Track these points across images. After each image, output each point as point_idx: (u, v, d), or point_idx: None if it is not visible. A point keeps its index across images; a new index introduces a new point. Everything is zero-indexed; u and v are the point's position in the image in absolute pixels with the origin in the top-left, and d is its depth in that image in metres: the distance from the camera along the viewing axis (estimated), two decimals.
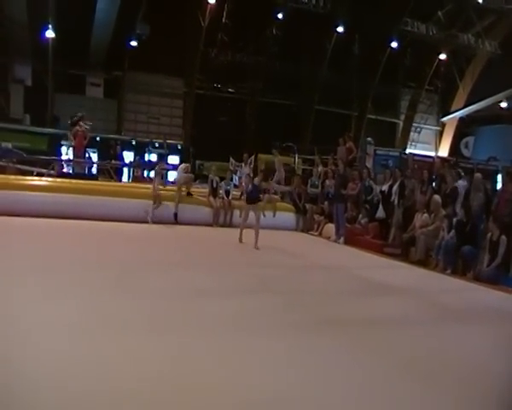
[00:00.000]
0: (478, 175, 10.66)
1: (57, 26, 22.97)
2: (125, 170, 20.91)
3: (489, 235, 8.51)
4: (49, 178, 13.80)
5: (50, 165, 16.33)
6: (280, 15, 26.75)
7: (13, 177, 13.16)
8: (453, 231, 9.08)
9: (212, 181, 12.94)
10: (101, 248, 8.07)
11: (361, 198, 12.32)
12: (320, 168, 14.01)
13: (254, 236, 9.14)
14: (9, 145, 17.77)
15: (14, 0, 21.98)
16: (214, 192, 12.75)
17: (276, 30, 27.54)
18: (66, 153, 19.01)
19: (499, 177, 15.65)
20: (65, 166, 17.53)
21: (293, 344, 4.23)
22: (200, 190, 13.82)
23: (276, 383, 3.43)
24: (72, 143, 16.69)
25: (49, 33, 23.33)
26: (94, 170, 18.22)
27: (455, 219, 9.24)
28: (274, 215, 12.18)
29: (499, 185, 14.28)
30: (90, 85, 26.97)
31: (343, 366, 3.85)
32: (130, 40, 25.17)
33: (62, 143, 20.99)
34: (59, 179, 13.53)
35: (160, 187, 12.64)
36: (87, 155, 17.57)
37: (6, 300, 4.67)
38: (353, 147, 14.75)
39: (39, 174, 15.00)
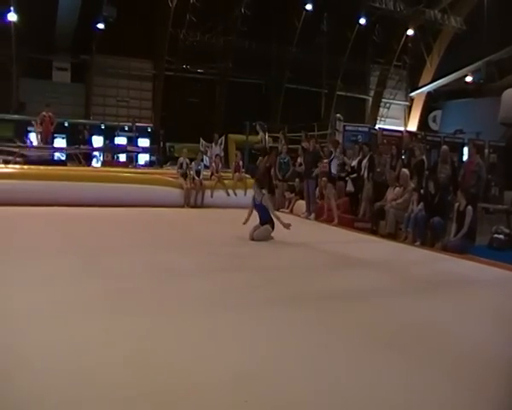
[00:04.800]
0: (445, 147, 10.85)
1: (20, 9, 22.32)
2: (96, 154, 20.69)
3: (456, 205, 8.65)
4: (17, 166, 13.56)
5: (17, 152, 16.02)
6: None
7: None
8: (422, 203, 9.21)
9: (181, 164, 12.98)
10: (69, 233, 8.00)
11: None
12: (282, 145, 14.20)
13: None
14: None
15: None
16: (185, 174, 12.78)
17: (244, 9, 27.31)
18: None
19: (465, 149, 15.96)
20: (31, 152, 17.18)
21: (268, 319, 4.26)
22: (172, 171, 13.77)
23: (253, 358, 3.45)
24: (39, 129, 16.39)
25: (12, 16, 22.68)
26: (62, 155, 17.95)
27: (423, 192, 9.39)
28: (245, 194, 12.22)
29: (465, 157, 14.60)
30: (57, 70, 26.40)
31: (317, 340, 3.87)
32: (97, 23, 24.66)
33: (29, 129, 20.59)
34: (26, 166, 13.30)
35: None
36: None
37: None
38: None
39: (5, 162, 14.71)
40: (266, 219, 8.20)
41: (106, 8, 24.24)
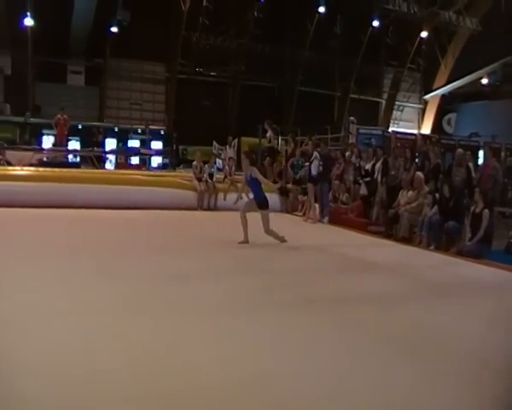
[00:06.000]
0: (460, 150, 10.72)
1: (36, 14, 22.58)
2: (110, 157, 20.82)
3: (472, 208, 8.53)
4: (32, 168, 13.68)
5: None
6: None
7: None
8: (436, 207, 9.11)
9: (196, 167, 13.05)
10: (82, 235, 8.04)
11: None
12: (290, 148, 14.28)
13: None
14: None
15: None
16: (199, 178, 12.83)
17: (257, 12, 27.33)
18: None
19: (481, 152, 15.80)
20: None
21: (278, 322, 4.24)
22: (184, 174, 13.81)
23: (261, 361, 3.44)
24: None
25: (28, 21, 22.94)
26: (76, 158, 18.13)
27: (437, 195, 9.28)
28: None
29: (481, 161, 14.45)
30: (71, 73, 26.64)
31: (328, 343, 3.85)
32: (111, 26, 24.83)
33: (44, 132, 20.80)
34: (41, 169, 13.41)
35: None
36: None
37: None
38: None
39: None
40: (260, 199, 8.20)
41: (120, 12, 24.40)
